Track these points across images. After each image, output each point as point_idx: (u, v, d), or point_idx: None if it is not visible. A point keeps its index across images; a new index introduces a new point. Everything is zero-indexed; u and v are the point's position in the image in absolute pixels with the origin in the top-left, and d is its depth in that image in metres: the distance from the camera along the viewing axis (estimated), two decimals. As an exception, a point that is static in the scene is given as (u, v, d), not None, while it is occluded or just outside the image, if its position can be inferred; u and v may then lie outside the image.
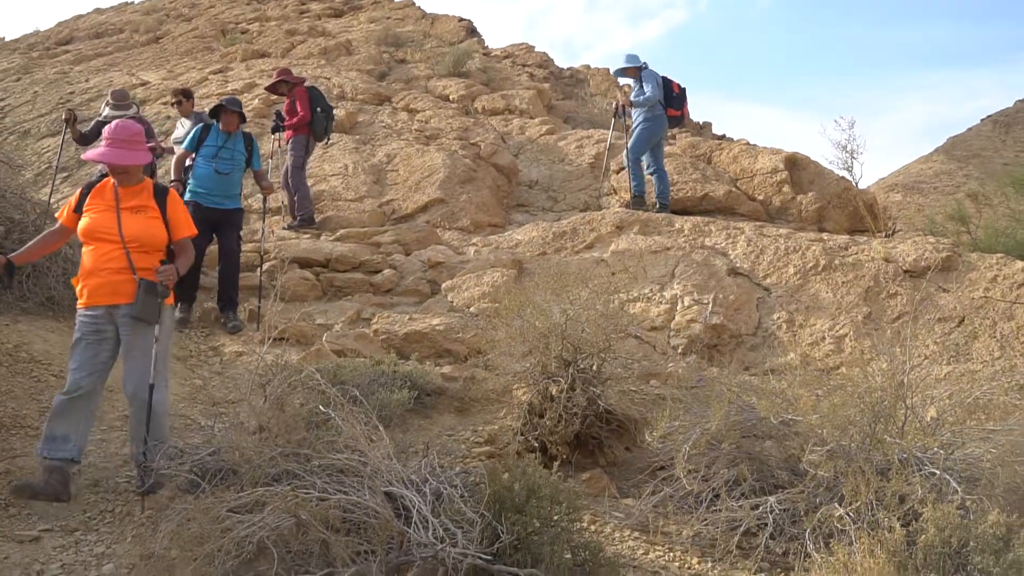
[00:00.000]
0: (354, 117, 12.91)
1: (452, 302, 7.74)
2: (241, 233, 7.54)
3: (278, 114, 9.91)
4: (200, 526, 3.39)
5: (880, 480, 3.87)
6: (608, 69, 16.57)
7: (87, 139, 8.59)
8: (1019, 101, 33.91)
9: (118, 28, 21.52)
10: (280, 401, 4.23)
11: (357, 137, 12.19)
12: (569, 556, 3.49)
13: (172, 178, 7.51)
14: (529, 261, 8.42)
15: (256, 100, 13.15)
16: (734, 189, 10.14)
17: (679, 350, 6.91)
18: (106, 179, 4.50)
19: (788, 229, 8.82)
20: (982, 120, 33.78)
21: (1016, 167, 19.22)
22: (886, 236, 9.15)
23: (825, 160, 10.93)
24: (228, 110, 7.34)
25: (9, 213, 6.91)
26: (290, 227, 9.47)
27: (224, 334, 7.11)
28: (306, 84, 9.90)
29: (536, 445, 4.97)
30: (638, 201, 9.48)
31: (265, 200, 8.23)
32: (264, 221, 8.24)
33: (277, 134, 9.98)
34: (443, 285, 8.02)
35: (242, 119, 7.47)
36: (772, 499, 4.21)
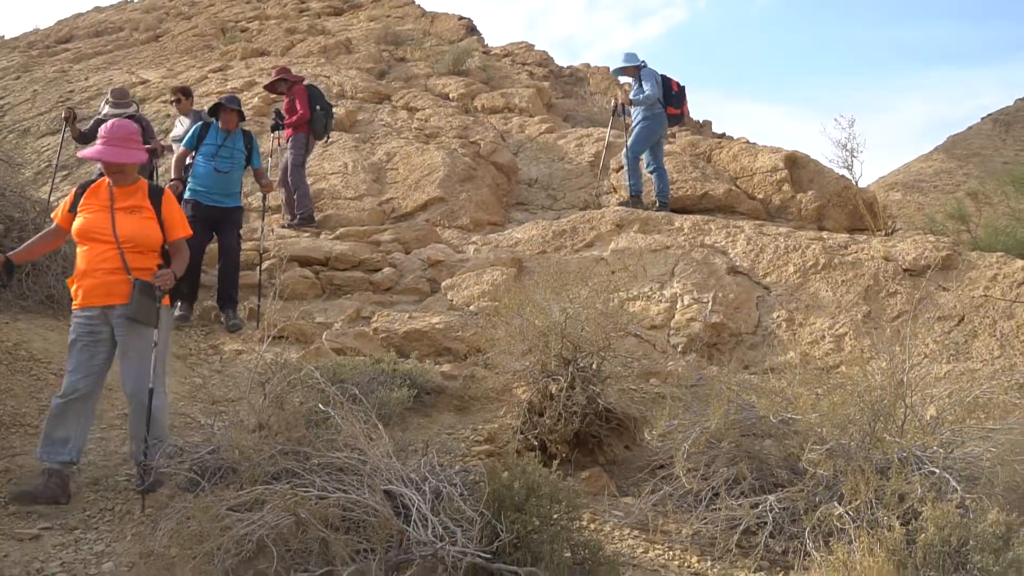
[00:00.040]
0: (354, 115, 12.91)
1: (452, 300, 7.73)
2: (241, 231, 7.54)
3: (277, 112, 9.90)
4: (200, 524, 3.39)
5: (880, 479, 3.87)
6: (608, 67, 16.57)
7: (87, 137, 8.57)
8: (1019, 100, 33.90)
9: (118, 26, 21.51)
10: (279, 399, 4.23)
11: (357, 135, 12.18)
12: (569, 555, 3.49)
13: (172, 176, 7.51)
14: (529, 259, 8.42)
15: (256, 98, 13.15)
16: (734, 188, 10.14)
17: (679, 349, 6.91)
18: (101, 179, 4.47)
19: (788, 228, 8.82)
20: (982, 119, 33.79)
21: (1016, 166, 19.23)
22: (886, 235, 9.15)
23: (825, 159, 10.93)
24: (227, 108, 7.33)
25: (9, 211, 6.91)
26: (289, 225, 9.46)
27: (224, 332, 7.11)
28: (305, 83, 9.90)
29: (536, 444, 4.97)
30: (635, 200, 9.48)
31: (264, 198, 8.22)
32: (263, 219, 8.24)
33: (277, 132, 9.97)
34: (443, 283, 8.02)
35: (241, 117, 7.48)
36: (772, 498, 4.21)
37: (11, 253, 4.44)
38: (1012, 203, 10.81)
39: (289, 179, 9.49)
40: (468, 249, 8.96)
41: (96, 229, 4.27)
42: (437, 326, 6.97)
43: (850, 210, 9.89)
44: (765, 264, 7.80)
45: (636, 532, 4.33)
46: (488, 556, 3.26)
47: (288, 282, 7.67)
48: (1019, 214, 10.12)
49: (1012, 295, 6.92)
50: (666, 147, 10.47)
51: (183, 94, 9.03)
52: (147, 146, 8.28)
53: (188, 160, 7.44)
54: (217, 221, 7.24)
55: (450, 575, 3.19)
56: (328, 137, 10.18)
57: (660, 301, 7.44)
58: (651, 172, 9.52)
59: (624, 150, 9.77)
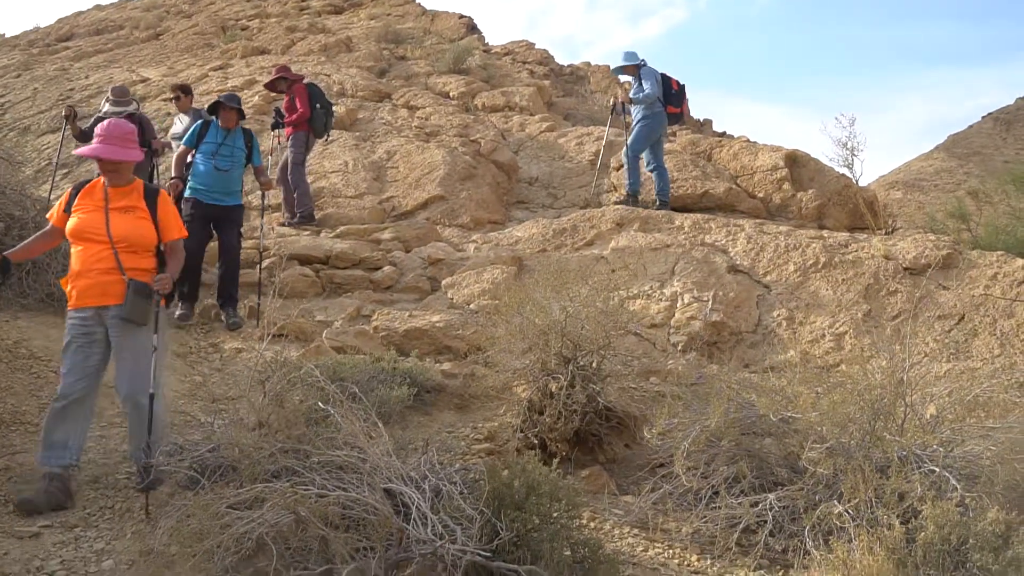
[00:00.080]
0: (354, 114, 12.90)
1: (452, 299, 7.74)
2: (242, 230, 7.53)
3: (277, 111, 9.90)
4: (199, 522, 3.40)
5: (879, 478, 3.87)
6: (608, 66, 16.56)
7: (87, 135, 8.57)
8: (1020, 99, 33.87)
9: (118, 25, 21.50)
10: (279, 398, 4.24)
11: (357, 134, 12.18)
12: (568, 553, 3.49)
13: (172, 175, 7.51)
14: (529, 258, 8.42)
15: (256, 97, 13.14)
16: (734, 186, 10.14)
17: (679, 347, 6.91)
18: (96, 179, 4.45)
19: (788, 226, 8.81)
20: (983, 118, 33.75)
21: (1017, 165, 19.22)
22: (886, 233, 9.14)
23: (825, 157, 10.92)
24: (226, 106, 7.32)
25: (9, 210, 6.92)
26: (289, 223, 9.46)
27: (224, 330, 7.11)
28: (305, 81, 9.90)
29: (536, 442, 4.97)
30: (632, 199, 9.46)
31: (264, 196, 8.21)
32: (263, 217, 8.23)
33: (277, 131, 9.97)
34: (443, 282, 8.02)
35: (241, 115, 7.46)
36: (771, 496, 4.21)
37: (8, 252, 4.43)
38: (1012, 202, 10.80)
39: (289, 177, 9.48)
40: (468, 247, 8.96)
41: (90, 229, 4.25)
42: (437, 324, 6.97)
43: (850, 209, 9.89)
44: (765, 263, 7.80)
45: (636, 530, 4.34)
46: (488, 554, 3.26)
47: (288, 280, 7.67)
48: (1019, 213, 10.11)
49: (1012, 294, 6.91)
50: (667, 146, 10.46)
51: (182, 91, 9.03)
52: (148, 145, 8.36)
53: (188, 159, 7.43)
54: (217, 219, 7.24)
55: (450, 573, 3.19)
56: (328, 135, 10.18)
57: (660, 300, 7.44)
58: (651, 171, 9.52)
59: (624, 149, 9.77)
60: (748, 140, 11.31)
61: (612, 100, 10.70)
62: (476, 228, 9.84)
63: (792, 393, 4.71)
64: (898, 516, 3.65)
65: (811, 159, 10.45)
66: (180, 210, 7.34)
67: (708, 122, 17.38)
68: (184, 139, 7.54)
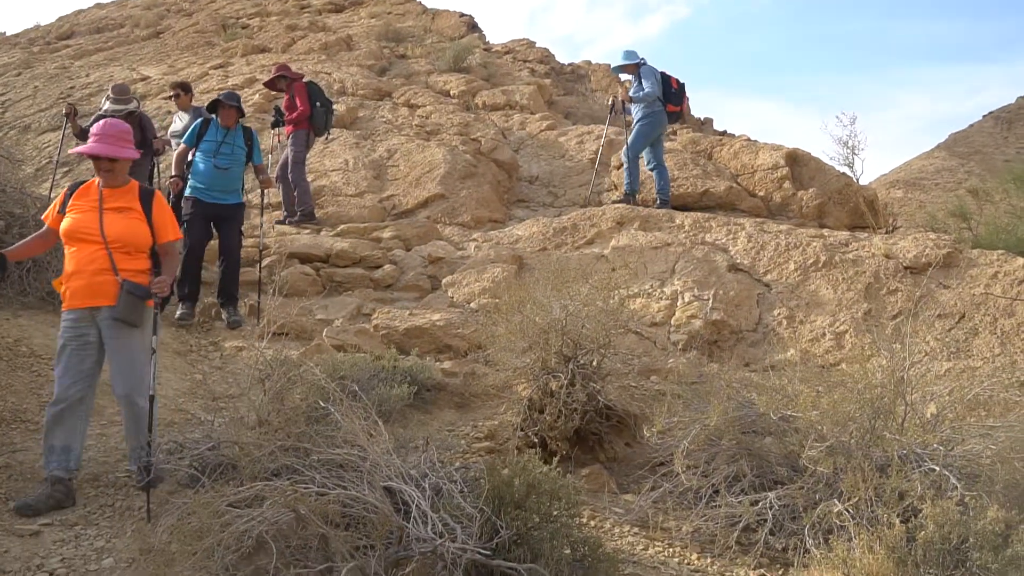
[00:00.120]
0: (355, 112, 12.90)
1: (452, 297, 7.74)
2: (242, 228, 7.53)
3: (277, 109, 9.89)
4: (200, 520, 3.39)
5: (879, 476, 3.87)
6: (609, 65, 16.54)
7: (87, 134, 8.56)
8: (1021, 98, 33.81)
9: (119, 23, 21.49)
10: (280, 396, 4.24)
11: (358, 132, 12.18)
12: (568, 551, 3.49)
13: (172, 173, 7.51)
14: (529, 257, 8.42)
15: (257, 95, 13.14)
16: (735, 185, 10.13)
17: (679, 346, 6.91)
18: (92, 180, 4.43)
19: (789, 225, 8.81)
20: (984, 116, 33.69)
21: (1018, 163, 19.20)
22: (887, 232, 9.14)
23: (826, 156, 10.96)
24: (226, 105, 7.31)
25: (9, 208, 6.92)
26: (289, 222, 9.46)
27: (224, 329, 7.11)
28: (304, 80, 9.89)
29: (536, 441, 4.97)
30: (629, 199, 9.45)
31: (263, 195, 8.20)
32: (263, 216, 8.23)
33: (277, 129, 9.97)
34: (443, 280, 8.02)
35: (240, 113, 7.44)
36: (772, 495, 4.22)
37: (5, 250, 4.42)
38: (1013, 201, 10.79)
39: (290, 176, 9.48)
40: (469, 246, 8.96)
41: (84, 229, 4.22)
42: (438, 323, 6.98)
43: (851, 208, 9.88)
44: (766, 261, 7.79)
45: (636, 529, 4.34)
46: (488, 553, 3.26)
47: (289, 279, 7.67)
48: (1020, 212, 10.10)
49: (1013, 293, 6.91)
50: (667, 144, 10.45)
51: (182, 89, 9.04)
52: (149, 144, 8.36)
53: (189, 157, 7.43)
54: (218, 218, 7.23)
55: (450, 572, 3.19)
56: (329, 134, 10.18)
57: (661, 298, 7.44)
58: (651, 169, 9.51)
59: (624, 148, 9.76)
60: (749, 139, 11.30)
61: (611, 99, 10.70)
62: (476, 227, 9.84)
63: (792, 392, 4.71)
64: (898, 515, 3.65)
65: (812, 158, 10.45)
66: (180, 208, 7.38)
67: (709, 120, 17.35)
68: (184, 138, 7.54)
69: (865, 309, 7.06)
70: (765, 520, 4.13)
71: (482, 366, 6.27)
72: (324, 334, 6.75)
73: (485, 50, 17.36)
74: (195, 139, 7.31)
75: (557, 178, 11.30)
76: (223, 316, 7.23)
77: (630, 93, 9.52)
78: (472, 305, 7.49)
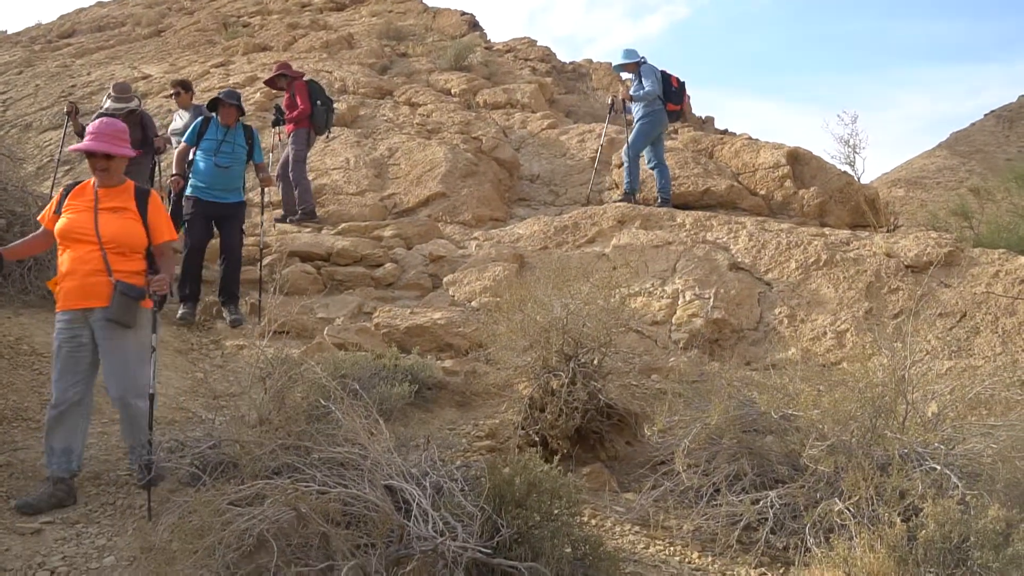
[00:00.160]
0: (356, 111, 12.90)
1: (453, 296, 7.74)
2: (244, 227, 7.53)
3: (277, 108, 9.89)
4: (201, 519, 3.39)
5: (880, 475, 3.87)
6: (611, 63, 16.53)
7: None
8: (1023, 96, 33.81)
9: (120, 21, 21.50)
10: (281, 394, 4.24)
11: (359, 131, 12.18)
12: (569, 550, 3.49)
13: (173, 171, 7.50)
14: (530, 255, 8.42)
15: (258, 94, 13.15)
16: (736, 184, 10.13)
17: (680, 345, 6.91)
18: (88, 180, 4.40)
19: (790, 224, 8.80)
20: (985, 115, 33.66)
21: (1019, 162, 19.19)
22: (888, 231, 9.14)
23: (827, 155, 10.94)
24: (226, 103, 7.29)
25: (11, 206, 6.93)
26: (290, 220, 9.46)
27: (226, 327, 7.11)
28: (305, 78, 9.89)
29: (537, 439, 4.97)
30: (629, 198, 9.45)
31: (263, 193, 8.21)
32: (263, 214, 8.23)
33: (278, 128, 9.97)
34: (444, 279, 8.03)
35: (240, 112, 7.42)
36: (772, 494, 4.22)
37: (1, 248, 4.41)
38: (1015, 199, 10.79)
39: (291, 174, 9.49)
40: (470, 245, 8.96)
41: (79, 229, 4.20)
42: (439, 322, 6.98)
43: (852, 206, 9.88)
44: (767, 260, 7.79)
45: (637, 528, 4.34)
46: (488, 551, 3.26)
47: (289, 277, 7.67)
48: (1022, 211, 10.10)
49: (1014, 292, 6.91)
50: (668, 143, 10.45)
51: (182, 87, 9.04)
52: (150, 143, 8.37)
53: (190, 156, 7.42)
54: (219, 217, 7.22)
55: (450, 570, 3.19)
56: (330, 132, 10.18)
57: (662, 297, 7.44)
58: (652, 168, 9.51)
59: (624, 147, 9.76)
60: (750, 137, 11.30)
61: (611, 99, 10.70)
62: (477, 225, 9.84)
63: (793, 391, 4.71)
64: (899, 514, 3.65)
65: (813, 156, 10.44)
66: (181, 207, 7.38)
67: (710, 119, 17.33)
68: (185, 137, 7.54)
69: (866, 308, 7.06)
70: (766, 519, 4.12)
71: (483, 365, 6.27)
72: (325, 332, 6.75)
73: (486, 49, 17.36)
74: (195, 138, 7.30)
75: (558, 177, 11.30)
76: (224, 315, 7.23)
77: (631, 92, 9.52)
78: (473, 304, 7.49)
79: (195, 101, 9.20)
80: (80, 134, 8.56)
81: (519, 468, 3.56)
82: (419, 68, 15.57)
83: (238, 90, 9.44)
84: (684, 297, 7.38)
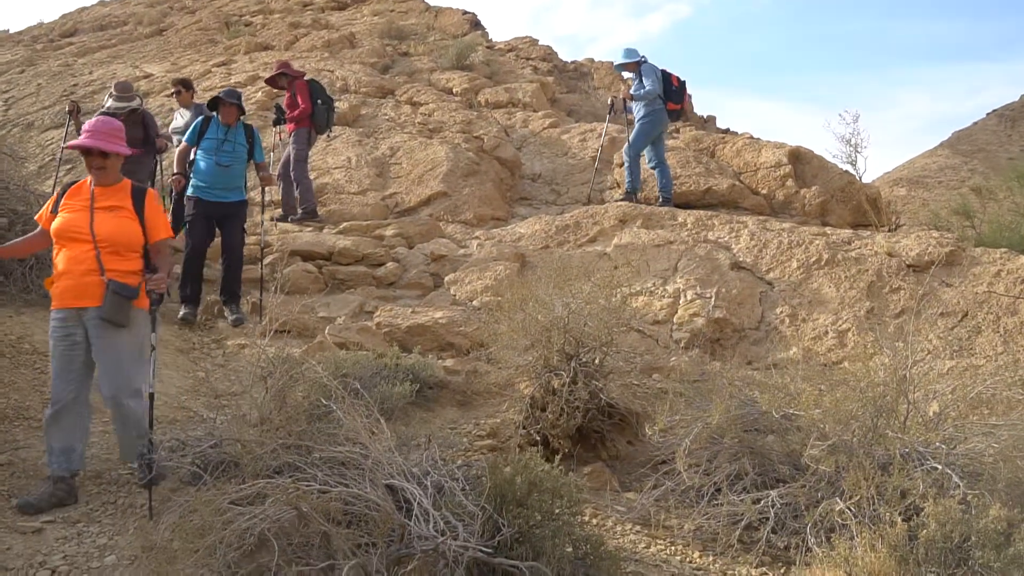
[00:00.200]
0: (357, 110, 12.90)
1: (455, 295, 7.74)
2: (245, 226, 7.53)
3: (278, 107, 9.89)
4: (202, 518, 3.40)
5: (882, 475, 3.87)
6: (612, 63, 16.54)
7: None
8: (1025, 95, 33.79)
9: (122, 20, 21.51)
10: (282, 394, 4.24)
11: (360, 130, 12.18)
12: (570, 549, 3.49)
13: (175, 171, 7.50)
14: (532, 255, 8.42)
15: (259, 93, 13.15)
16: (737, 183, 10.12)
17: (681, 344, 6.91)
18: (84, 179, 4.39)
19: (791, 223, 8.80)
20: (988, 115, 33.67)
21: (1022, 161, 19.16)
22: (889, 230, 9.13)
23: (829, 154, 10.93)
24: (226, 102, 7.28)
25: (12, 205, 6.94)
26: (292, 219, 9.46)
27: (227, 326, 7.12)
28: (306, 78, 9.89)
29: (538, 439, 4.97)
30: (632, 197, 9.44)
31: (264, 192, 8.21)
32: (263, 213, 8.23)
33: (278, 127, 9.97)
34: (446, 278, 8.03)
35: (241, 111, 7.41)
36: (773, 493, 4.21)
37: None
38: (1017, 199, 10.77)
39: (292, 174, 9.49)
40: (471, 244, 8.96)
41: (74, 228, 4.19)
42: (440, 321, 6.98)
43: (854, 206, 9.87)
44: (768, 259, 7.79)
45: (638, 527, 4.34)
46: (489, 551, 3.26)
47: (291, 276, 7.67)
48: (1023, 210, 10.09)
49: (1016, 291, 6.90)
50: (670, 142, 10.44)
51: (183, 86, 9.05)
52: (152, 142, 8.37)
53: (191, 156, 7.42)
54: (221, 216, 7.21)
55: (451, 570, 3.19)
56: (331, 132, 10.18)
57: (663, 296, 7.44)
58: (653, 168, 9.50)
59: (625, 146, 9.75)
60: (751, 137, 11.29)
61: (611, 99, 10.70)
62: (479, 224, 9.84)
63: (794, 390, 4.71)
64: (900, 513, 3.65)
65: (815, 156, 10.44)
66: (183, 206, 7.38)
67: (712, 119, 17.33)
68: (185, 137, 7.53)
69: (868, 307, 7.05)
70: (767, 518, 4.12)
71: (484, 364, 6.27)
72: (326, 332, 6.75)
73: (488, 48, 17.36)
74: (196, 137, 7.29)
75: (560, 176, 11.30)
76: (226, 314, 7.23)
77: (631, 91, 9.52)
78: (474, 303, 7.49)
79: (196, 100, 9.20)
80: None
81: (520, 467, 3.55)
82: (421, 67, 15.57)
83: (240, 89, 9.44)
84: (685, 296, 7.38)
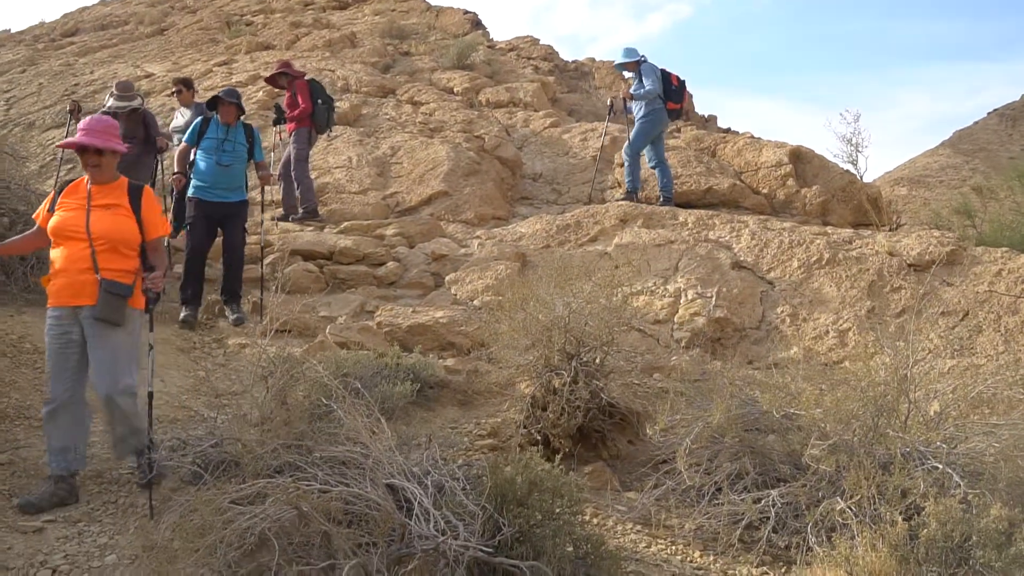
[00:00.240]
0: (358, 110, 12.90)
1: (456, 295, 7.74)
2: (246, 225, 7.52)
3: (278, 107, 9.88)
4: (202, 517, 3.40)
5: (882, 474, 3.87)
6: (613, 62, 16.54)
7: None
8: (1026, 95, 33.76)
9: (123, 20, 21.52)
10: (282, 393, 4.24)
11: (361, 130, 12.18)
12: (571, 549, 3.49)
13: (175, 170, 7.50)
14: (533, 254, 8.41)
15: (260, 92, 13.14)
16: (738, 182, 10.12)
17: (682, 343, 6.90)
18: (81, 178, 4.40)
19: (792, 223, 8.79)
20: (989, 114, 33.66)
21: (1022, 161, 19.15)
22: (890, 230, 9.12)
23: (830, 154, 10.92)
24: (225, 102, 7.27)
25: (14, 204, 6.95)
26: (293, 219, 9.46)
27: (228, 326, 7.12)
28: (306, 77, 9.89)
29: (539, 438, 4.97)
30: (632, 197, 9.44)
31: (263, 191, 8.20)
32: (263, 212, 8.23)
33: (279, 127, 9.96)
34: (447, 278, 8.02)
35: (241, 110, 7.40)
36: (774, 493, 4.21)
37: None
38: (1018, 198, 10.77)
39: (293, 173, 9.49)
40: (472, 243, 8.96)
41: (70, 227, 4.19)
42: (441, 320, 6.98)
43: (855, 205, 9.86)
44: (769, 259, 7.78)
45: (639, 527, 4.34)
46: (490, 550, 3.26)
47: (292, 276, 7.67)
48: (1025, 209, 10.08)
49: (1017, 290, 6.89)
50: (670, 142, 10.44)
51: (184, 85, 9.05)
52: (153, 141, 8.37)
53: (191, 156, 7.41)
54: (222, 216, 7.19)
55: (452, 569, 3.19)
56: (331, 131, 10.17)
57: (664, 296, 7.44)
58: (653, 167, 9.50)
59: (625, 146, 9.75)
60: (752, 136, 11.29)
61: (611, 100, 10.70)
62: (480, 224, 9.84)
63: (795, 390, 4.70)
64: (901, 513, 3.65)
65: (815, 155, 10.43)
66: (183, 206, 7.37)
67: (712, 118, 17.34)
68: (185, 137, 7.53)
69: (868, 307, 7.05)
70: (768, 518, 4.12)
71: (485, 363, 6.27)
72: (327, 331, 6.75)
73: (489, 47, 17.36)
74: (196, 137, 7.27)
75: (561, 175, 11.29)
76: (226, 313, 7.23)
77: (631, 90, 9.51)
78: (475, 302, 7.49)
79: (197, 99, 9.20)
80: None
81: (521, 467, 3.56)
82: (422, 67, 15.56)
83: (240, 89, 9.44)
84: (686, 296, 7.38)
